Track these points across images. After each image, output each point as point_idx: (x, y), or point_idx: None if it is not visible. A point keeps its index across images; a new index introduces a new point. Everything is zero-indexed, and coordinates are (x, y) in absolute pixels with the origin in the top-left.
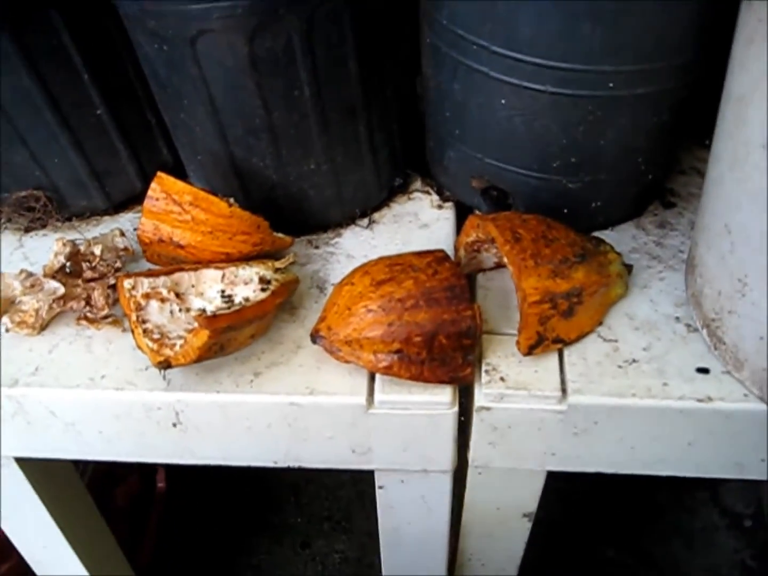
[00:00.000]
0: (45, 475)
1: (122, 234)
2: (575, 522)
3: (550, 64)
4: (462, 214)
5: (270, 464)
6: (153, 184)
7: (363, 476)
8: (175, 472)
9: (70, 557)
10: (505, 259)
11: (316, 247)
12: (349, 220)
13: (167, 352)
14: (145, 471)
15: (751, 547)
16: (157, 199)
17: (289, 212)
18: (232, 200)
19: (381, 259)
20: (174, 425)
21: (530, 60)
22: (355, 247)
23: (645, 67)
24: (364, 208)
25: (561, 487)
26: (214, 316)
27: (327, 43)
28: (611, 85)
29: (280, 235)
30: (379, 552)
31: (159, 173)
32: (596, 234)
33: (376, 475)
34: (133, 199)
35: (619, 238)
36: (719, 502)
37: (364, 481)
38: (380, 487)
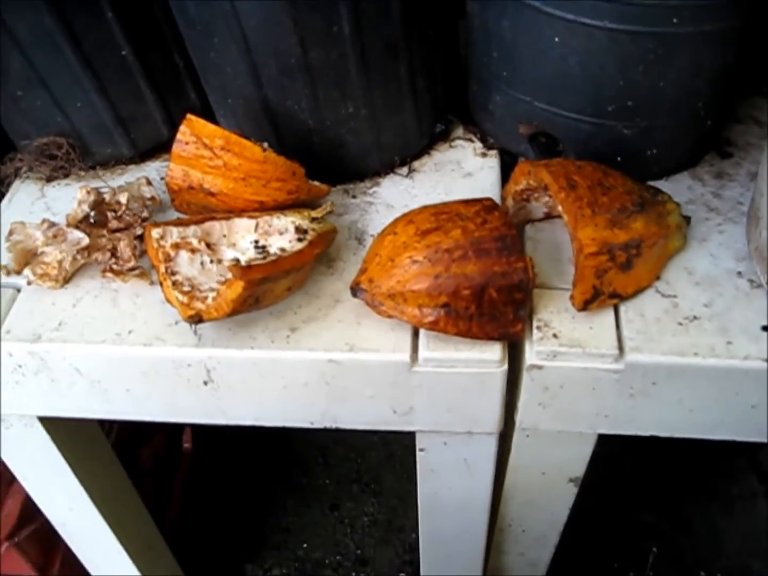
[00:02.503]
0: (70, 434)
1: (149, 183)
2: (611, 486)
3: None
4: (506, 163)
5: (306, 425)
6: (182, 127)
7: (393, 438)
8: (201, 432)
9: (96, 519)
10: (560, 208)
11: (353, 197)
12: (387, 169)
13: (198, 305)
14: (171, 431)
15: None
16: (187, 143)
17: (324, 159)
18: (266, 145)
19: (425, 207)
20: (205, 383)
21: None
22: (395, 196)
23: (713, 2)
24: (403, 155)
25: (595, 450)
26: (249, 266)
27: None
28: (675, 20)
29: (316, 183)
30: (409, 515)
31: (188, 115)
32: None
33: (417, 437)
34: (160, 147)
35: (675, 188)
36: (758, 468)
37: (394, 442)
38: (421, 450)
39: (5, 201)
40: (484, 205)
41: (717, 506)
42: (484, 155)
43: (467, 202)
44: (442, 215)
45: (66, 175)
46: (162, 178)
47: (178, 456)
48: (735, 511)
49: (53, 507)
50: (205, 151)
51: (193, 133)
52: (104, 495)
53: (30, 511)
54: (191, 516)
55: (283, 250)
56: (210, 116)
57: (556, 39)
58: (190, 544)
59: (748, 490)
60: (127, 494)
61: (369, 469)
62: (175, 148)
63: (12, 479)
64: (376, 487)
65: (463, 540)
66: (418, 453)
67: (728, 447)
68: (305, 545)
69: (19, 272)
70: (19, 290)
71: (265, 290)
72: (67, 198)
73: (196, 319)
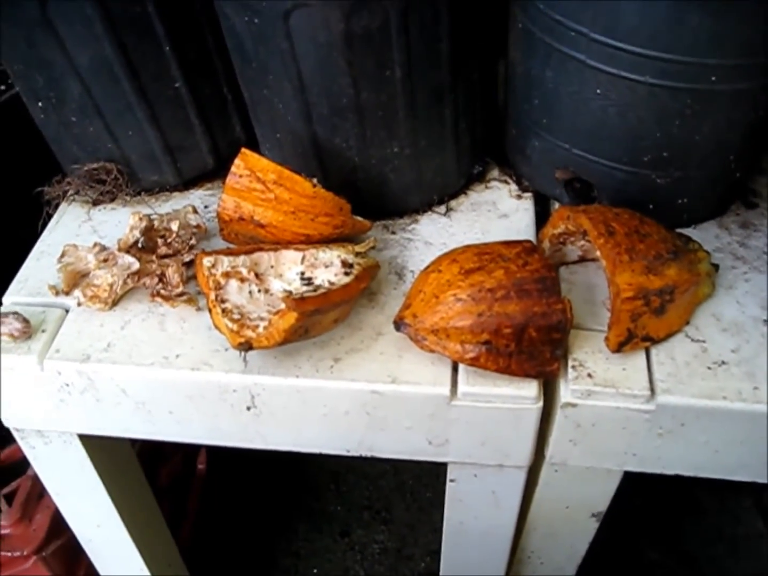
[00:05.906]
0: (105, 452)
1: (195, 211)
2: (619, 522)
3: (652, 55)
4: (540, 206)
5: (342, 452)
6: (237, 161)
7: (404, 466)
8: (215, 454)
9: (123, 536)
10: (598, 253)
11: (393, 233)
12: (426, 207)
13: (249, 333)
14: (188, 451)
15: None
16: (241, 176)
17: (367, 195)
18: (315, 180)
19: (468, 247)
20: (248, 409)
21: (632, 49)
22: (433, 234)
23: (749, 62)
24: (441, 194)
25: None
26: (303, 298)
27: (422, 23)
28: (713, 78)
29: (360, 218)
30: (419, 544)
31: (243, 149)
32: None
33: (449, 468)
34: (204, 176)
35: (703, 237)
36: (764, 510)
37: (406, 471)
38: (452, 481)
39: (52, 222)
40: (525, 247)
41: (723, 546)
42: (519, 197)
43: (508, 244)
44: (484, 255)
45: (112, 200)
46: (206, 207)
47: (192, 476)
48: (740, 552)
49: (82, 523)
50: (257, 184)
51: (246, 167)
52: (132, 513)
53: (58, 526)
54: (203, 537)
55: (330, 283)
56: (255, 148)
57: (598, 91)
58: (201, 565)
59: (754, 531)
60: (153, 513)
61: (380, 496)
62: (229, 180)
63: (41, 494)
64: (386, 515)
65: (483, 569)
66: (448, 483)
67: (734, 487)
68: (315, 570)
69: (67, 293)
70: (67, 311)
71: (314, 321)
72: (113, 222)
73: (246, 346)
